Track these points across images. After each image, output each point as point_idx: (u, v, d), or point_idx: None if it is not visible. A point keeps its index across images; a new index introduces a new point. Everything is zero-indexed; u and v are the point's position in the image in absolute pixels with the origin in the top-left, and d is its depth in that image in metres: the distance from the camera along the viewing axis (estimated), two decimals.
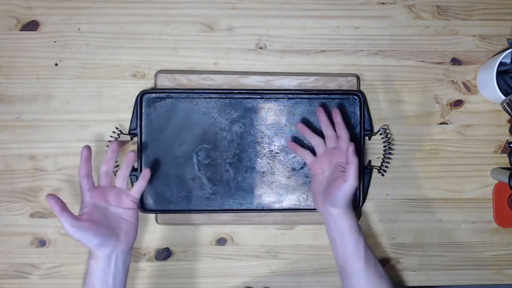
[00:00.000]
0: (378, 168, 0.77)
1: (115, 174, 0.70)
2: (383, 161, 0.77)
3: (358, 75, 0.77)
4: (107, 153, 0.69)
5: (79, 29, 0.76)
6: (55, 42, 0.76)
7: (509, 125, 0.79)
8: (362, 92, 0.76)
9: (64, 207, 0.62)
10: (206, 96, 0.75)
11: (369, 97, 0.77)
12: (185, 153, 0.75)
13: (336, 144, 0.72)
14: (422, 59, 0.78)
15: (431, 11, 0.78)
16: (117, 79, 0.76)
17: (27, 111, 0.76)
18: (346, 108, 0.76)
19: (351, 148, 0.66)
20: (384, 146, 0.77)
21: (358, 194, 0.76)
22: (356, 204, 0.76)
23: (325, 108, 0.75)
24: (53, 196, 0.62)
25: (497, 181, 0.78)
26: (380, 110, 0.78)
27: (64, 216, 0.61)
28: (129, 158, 0.69)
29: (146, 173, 0.69)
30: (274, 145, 0.76)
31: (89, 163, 0.67)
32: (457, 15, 0.78)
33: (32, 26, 0.76)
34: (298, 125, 0.74)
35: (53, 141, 0.76)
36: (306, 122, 0.76)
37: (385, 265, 0.79)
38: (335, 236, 0.68)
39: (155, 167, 0.75)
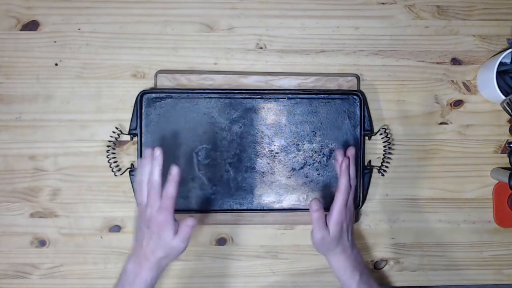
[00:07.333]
0: (378, 168, 0.77)
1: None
2: (383, 161, 0.77)
3: (358, 75, 0.77)
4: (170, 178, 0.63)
5: (79, 29, 0.76)
6: (55, 42, 0.76)
7: (509, 125, 0.79)
8: (362, 92, 0.76)
9: None
10: (206, 96, 0.75)
11: (369, 97, 0.77)
12: (185, 153, 0.75)
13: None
14: (422, 59, 0.78)
15: (431, 11, 0.78)
16: (117, 79, 0.76)
17: (27, 111, 0.76)
18: (346, 108, 0.76)
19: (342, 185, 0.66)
20: (384, 146, 0.77)
21: (358, 194, 0.75)
22: (356, 204, 0.76)
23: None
24: None
25: (497, 181, 0.78)
26: (380, 110, 0.78)
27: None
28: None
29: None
30: (274, 145, 0.76)
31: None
32: (457, 15, 0.78)
33: (32, 26, 0.76)
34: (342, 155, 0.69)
35: (53, 141, 0.76)
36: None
37: (385, 265, 0.79)
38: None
39: None
